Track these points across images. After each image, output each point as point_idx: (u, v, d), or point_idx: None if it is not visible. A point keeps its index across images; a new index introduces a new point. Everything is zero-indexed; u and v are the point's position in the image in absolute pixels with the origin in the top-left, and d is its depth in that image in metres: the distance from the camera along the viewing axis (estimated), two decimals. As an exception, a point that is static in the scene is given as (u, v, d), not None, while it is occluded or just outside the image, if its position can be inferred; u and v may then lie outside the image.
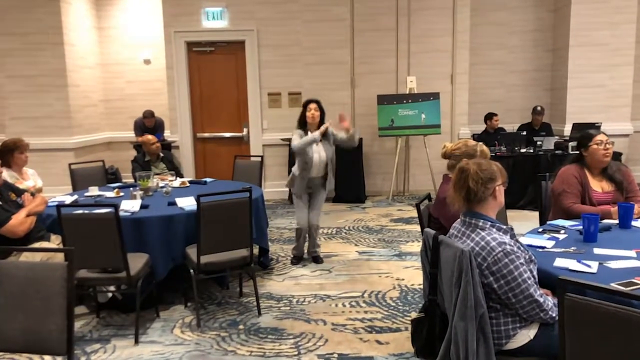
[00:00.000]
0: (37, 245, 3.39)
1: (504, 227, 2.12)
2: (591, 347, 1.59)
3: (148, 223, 3.54)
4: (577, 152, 3.43)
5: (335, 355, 2.98)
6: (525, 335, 2.08)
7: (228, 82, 7.62)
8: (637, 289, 1.95)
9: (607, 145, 3.25)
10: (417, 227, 5.61)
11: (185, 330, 3.37)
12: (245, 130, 7.69)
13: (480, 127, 7.65)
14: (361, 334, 3.26)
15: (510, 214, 4.92)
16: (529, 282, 2.01)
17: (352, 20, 7.47)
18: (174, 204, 3.87)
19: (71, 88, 7.29)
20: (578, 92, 7.73)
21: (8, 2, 7.05)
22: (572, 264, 2.29)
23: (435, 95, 7.26)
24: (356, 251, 4.98)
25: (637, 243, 2.57)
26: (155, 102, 8.02)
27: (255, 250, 4.60)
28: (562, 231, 2.87)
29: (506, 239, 2.06)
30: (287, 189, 7.33)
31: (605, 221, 2.96)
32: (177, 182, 4.75)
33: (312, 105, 4.53)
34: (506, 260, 2.00)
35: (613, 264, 2.29)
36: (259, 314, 3.57)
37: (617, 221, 2.95)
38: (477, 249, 2.06)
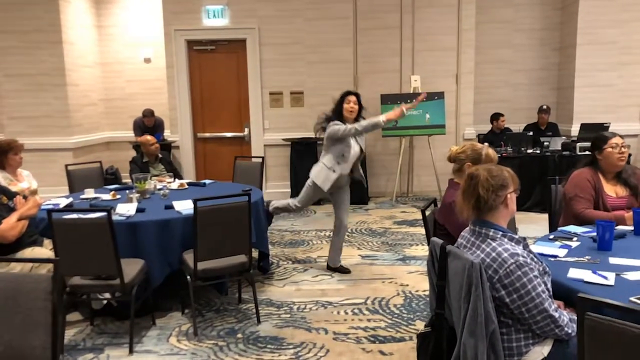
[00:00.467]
0: (29, 250, 3.27)
1: (516, 237, 1.99)
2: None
3: (144, 227, 3.42)
4: (590, 154, 3.29)
5: (337, 367, 2.86)
6: (539, 353, 1.95)
7: (229, 81, 7.51)
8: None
9: (622, 149, 3.11)
10: (422, 230, 5.48)
11: (182, 339, 3.25)
12: (246, 130, 7.58)
13: (485, 127, 7.52)
14: (364, 343, 3.13)
15: (517, 216, 4.76)
16: (544, 296, 1.88)
17: (355, 18, 7.33)
18: (171, 207, 3.75)
19: (70, 87, 7.19)
20: (586, 91, 7.58)
21: (6, 0, 6.94)
22: (587, 275, 2.16)
23: (440, 95, 7.13)
24: (359, 255, 4.86)
25: (655, 252, 2.44)
26: (156, 102, 7.91)
27: (255, 254, 4.50)
28: (575, 238, 2.74)
29: (519, 249, 1.94)
30: (289, 190, 7.22)
31: (620, 228, 2.83)
32: (175, 184, 4.64)
33: (352, 98, 4.19)
34: (519, 272, 1.88)
35: (631, 275, 2.16)
36: (258, 322, 3.45)
37: (632, 228, 2.82)
38: (487, 260, 1.93)
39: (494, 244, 1.95)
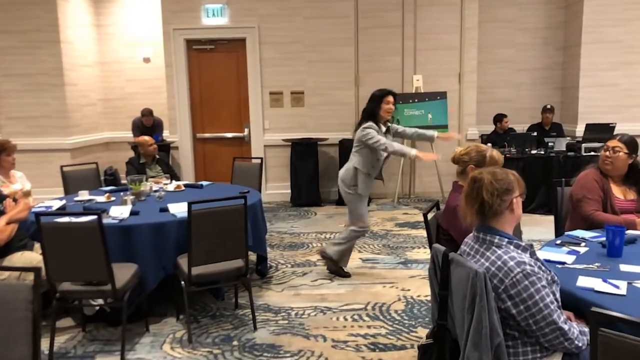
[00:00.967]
0: (18, 255, 3.19)
1: (523, 244, 1.89)
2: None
3: (137, 231, 3.33)
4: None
5: (336, 376, 2.76)
6: (547, 367, 1.85)
7: (228, 80, 7.41)
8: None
9: (609, 153, 3.00)
10: (424, 232, 5.37)
11: (176, 346, 3.15)
12: (246, 130, 7.48)
13: (488, 128, 7.40)
14: (363, 351, 3.03)
15: (521, 218, 4.68)
16: (552, 307, 1.78)
17: (356, 17, 7.23)
18: (166, 210, 3.65)
19: (68, 87, 7.10)
20: (590, 91, 7.47)
21: (4, 0, 6.86)
22: (597, 284, 2.05)
23: (443, 95, 7.01)
24: (359, 258, 4.75)
25: (668, 259, 2.33)
26: (156, 101, 7.82)
27: (254, 257, 4.41)
28: (583, 244, 2.63)
29: (525, 257, 1.83)
30: (290, 192, 7.12)
31: (630, 232, 2.72)
32: (171, 186, 4.54)
33: (391, 99, 3.95)
34: (526, 282, 1.77)
35: (643, 284, 2.06)
36: (255, 328, 3.34)
37: (642, 232, 2.72)
38: (492, 269, 1.83)
39: (499, 252, 1.85)
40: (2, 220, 3.10)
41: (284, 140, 7.21)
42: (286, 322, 3.45)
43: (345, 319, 3.47)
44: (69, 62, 7.13)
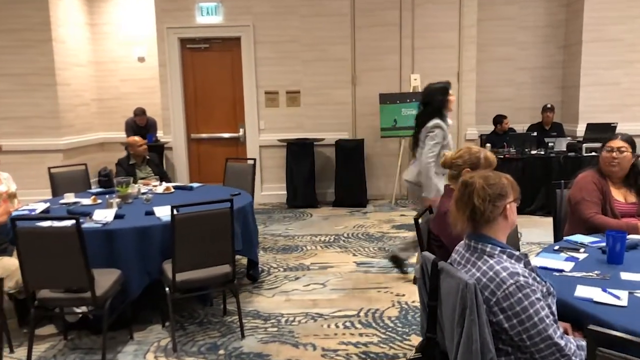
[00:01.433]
0: (-3, 260, 3.09)
1: (517, 253, 1.77)
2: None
3: (121, 235, 3.21)
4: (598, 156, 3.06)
5: (324, 388, 2.64)
6: (542, 384, 1.73)
7: (223, 80, 7.29)
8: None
9: (616, 154, 2.87)
10: (420, 235, 5.25)
11: (160, 355, 3.04)
12: (241, 130, 7.36)
13: (488, 128, 7.28)
14: (354, 361, 2.92)
15: (520, 219, 4.54)
16: (547, 321, 1.66)
17: (352, 15, 7.11)
18: (152, 213, 3.54)
19: (61, 87, 6.99)
20: (591, 90, 7.34)
21: (-6, -2, 6.77)
22: (596, 294, 1.94)
23: (441, 94, 6.88)
24: (354, 262, 4.64)
25: (671, 266, 2.21)
26: (150, 101, 7.70)
27: (245, 262, 4.29)
28: (582, 249, 2.51)
29: (519, 268, 1.71)
30: (285, 193, 7.01)
31: (632, 237, 2.59)
32: (161, 188, 4.42)
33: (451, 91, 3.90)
34: (519, 295, 1.65)
35: (645, 294, 1.94)
36: (242, 336, 3.22)
37: (644, 238, 2.59)
38: (484, 280, 1.71)
39: (491, 262, 1.73)
40: (-20, 225, 2.99)
41: (279, 140, 7.10)
42: (275, 329, 3.33)
43: (337, 326, 3.35)
44: (61, 61, 7.02)
